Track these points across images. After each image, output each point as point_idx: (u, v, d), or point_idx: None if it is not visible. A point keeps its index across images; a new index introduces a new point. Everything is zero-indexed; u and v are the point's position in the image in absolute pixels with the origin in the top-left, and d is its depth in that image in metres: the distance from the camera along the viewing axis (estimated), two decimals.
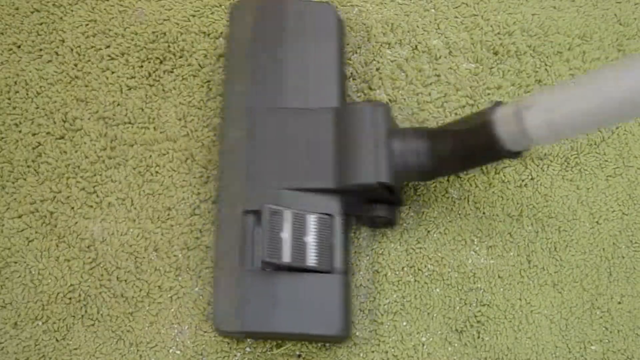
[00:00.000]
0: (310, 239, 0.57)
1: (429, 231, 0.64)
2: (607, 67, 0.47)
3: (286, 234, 0.56)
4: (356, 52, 0.69)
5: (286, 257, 0.56)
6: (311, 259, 0.57)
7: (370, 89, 0.68)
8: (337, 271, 0.58)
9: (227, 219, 0.59)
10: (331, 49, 0.64)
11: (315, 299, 0.56)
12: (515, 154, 0.53)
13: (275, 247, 0.56)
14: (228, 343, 0.61)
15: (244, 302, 0.56)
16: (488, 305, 0.62)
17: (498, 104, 0.53)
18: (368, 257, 0.63)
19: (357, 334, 0.61)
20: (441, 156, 0.57)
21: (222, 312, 0.57)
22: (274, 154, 0.60)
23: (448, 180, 0.65)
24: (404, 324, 0.62)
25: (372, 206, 0.60)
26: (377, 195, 0.59)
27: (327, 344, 0.61)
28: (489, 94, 0.68)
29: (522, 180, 0.66)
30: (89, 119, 0.67)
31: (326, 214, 0.58)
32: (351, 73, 0.68)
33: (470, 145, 0.55)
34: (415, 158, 0.57)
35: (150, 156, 0.66)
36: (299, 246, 0.56)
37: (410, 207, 0.64)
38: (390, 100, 0.68)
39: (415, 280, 0.63)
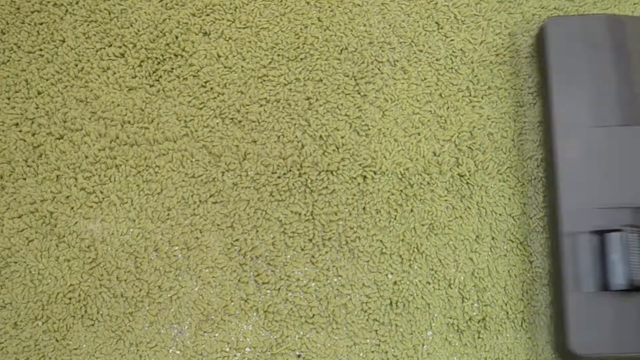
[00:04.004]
0: None
1: None
2: None
3: None
4: (357, 52, 0.69)
5: None
6: None
7: (372, 87, 0.68)
8: None
9: (569, 240, 0.58)
10: None
11: None
12: None
13: None
14: (228, 343, 0.61)
15: (606, 325, 0.56)
16: (489, 305, 0.62)
17: None
18: None
19: (357, 332, 0.61)
20: None
21: (580, 336, 0.56)
22: (616, 172, 0.58)
23: (452, 178, 0.65)
24: (404, 324, 0.62)
25: None
26: None
27: None
28: (489, 93, 0.68)
29: (522, 180, 0.66)
30: (89, 119, 0.67)
31: None
32: (352, 73, 0.68)
33: None
34: None
35: (150, 156, 0.66)
36: None
37: None
38: (392, 99, 0.68)
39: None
